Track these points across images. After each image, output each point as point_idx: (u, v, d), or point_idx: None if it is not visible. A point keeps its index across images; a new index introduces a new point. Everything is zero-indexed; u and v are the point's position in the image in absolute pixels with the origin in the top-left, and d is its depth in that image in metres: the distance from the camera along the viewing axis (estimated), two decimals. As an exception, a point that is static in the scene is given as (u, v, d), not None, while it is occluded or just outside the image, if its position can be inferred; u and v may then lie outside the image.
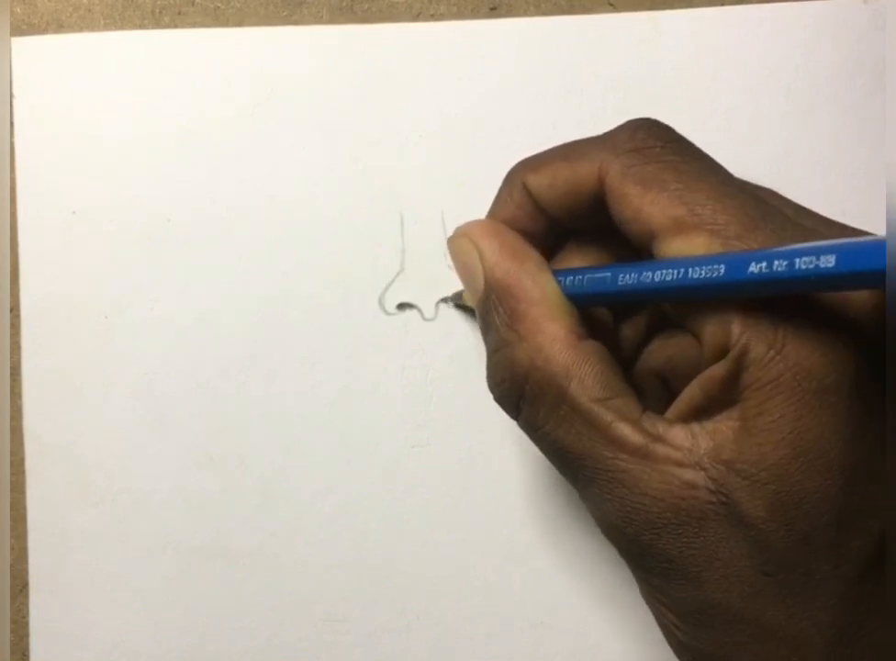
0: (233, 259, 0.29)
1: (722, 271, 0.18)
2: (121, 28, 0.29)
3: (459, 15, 0.29)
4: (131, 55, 0.29)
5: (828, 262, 0.16)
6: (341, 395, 0.29)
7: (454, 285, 0.28)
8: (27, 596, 0.29)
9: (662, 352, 0.24)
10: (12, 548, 0.29)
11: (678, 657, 0.21)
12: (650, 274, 0.19)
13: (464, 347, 0.29)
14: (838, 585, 0.18)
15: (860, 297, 0.18)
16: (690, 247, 0.19)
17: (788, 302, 0.18)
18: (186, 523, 0.29)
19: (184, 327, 0.29)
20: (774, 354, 0.18)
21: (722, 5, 0.29)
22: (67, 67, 0.29)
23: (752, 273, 0.17)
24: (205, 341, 0.29)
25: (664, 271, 0.19)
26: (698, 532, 0.19)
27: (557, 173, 0.22)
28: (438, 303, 0.29)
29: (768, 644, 0.19)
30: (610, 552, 0.29)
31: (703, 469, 0.18)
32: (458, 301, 0.29)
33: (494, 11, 0.29)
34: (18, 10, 0.29)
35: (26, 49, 0.29)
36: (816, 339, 0.18)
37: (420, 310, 0.29)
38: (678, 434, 0.19)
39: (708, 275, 0.18)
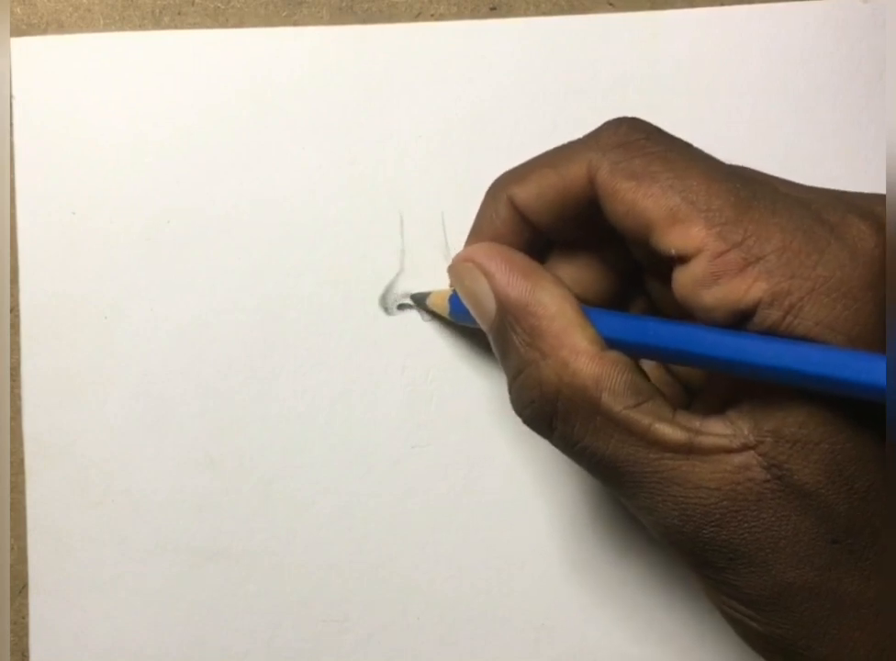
0: (233, 260, 0.29)
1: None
2: (121, 28, 0.29)
3: (459, 15, 0.29)
4: (131, 55, 0.29)
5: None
6: (341, 395, 0.29)
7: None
8: (26, 596, 0.29)
9: None
10: (12, 548, 0.29)
11: (757, 650, 0.21)
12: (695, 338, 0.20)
13: (464, 347, 0.29)
14: None
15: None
16: (687, 238, 0.19)
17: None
18: (186, 524, 0.29)
19: (183, 327, 0.29)
20: (792, 319, 0.18)
21: (722, 5, 0.29)
22: (67, 67, 0.29)
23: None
24: (204, 341, 0.29)
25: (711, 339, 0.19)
26: (758, 514, 0.19)
27: (544, 181, 0.22)
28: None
29: (850, 613, 0.19)
30: (611, 552, 0.29)
31: (751, 448, 0.18)
32: (421, 305, 0.28)
33: (494, 11, 0.29)
34: (18, 10, 0.29)
35: (26, 49, 0.29)
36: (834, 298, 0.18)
37: (420, 311, 0.29)
38: (717, 424, 0.19)
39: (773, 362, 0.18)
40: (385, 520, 0.29)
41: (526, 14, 0.29)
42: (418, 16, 0.29)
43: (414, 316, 0.29)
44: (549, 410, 0.21)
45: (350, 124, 0.29)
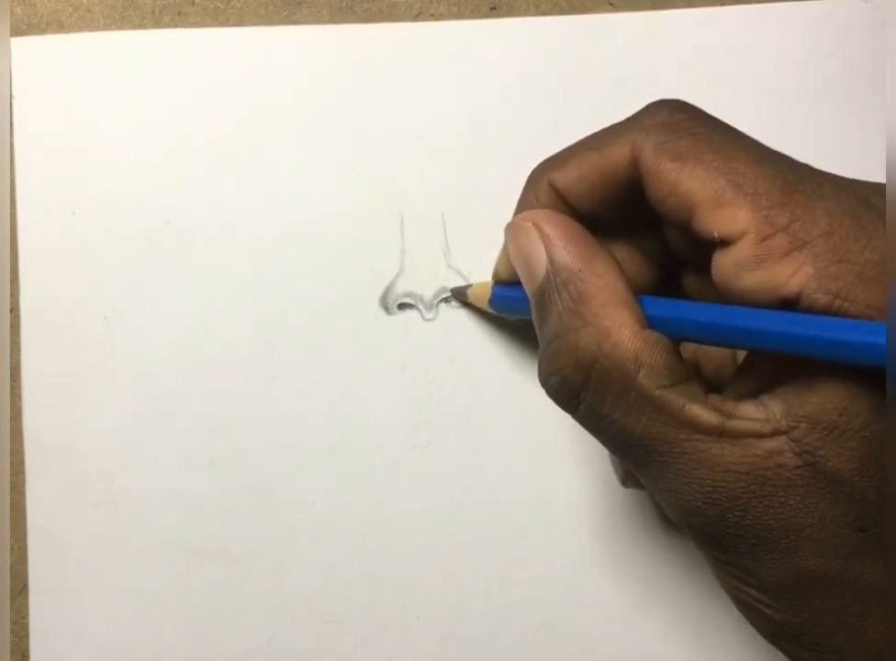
0: (233, 260, 0.29)
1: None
2: (121, 27, 0.29)
3: (459, 15, 0.29)
4: (131, 55, 0.29)
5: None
6: (341, 395, 0.29)
7: (454, 285, 0.28)
8: (26, 597, 0.29)
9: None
10: (12, 549, 0.29)
11: (769, 639, 0.21)
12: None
13: (464, 347, 0.29)
14: None
15: None
16: (732, 221, 0.19)
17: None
18: (186, 524, 0.29)
19: (183, 328, 0.29)
20: (841, 303, 0.18)
21: (723, 5, 0.29)
22: (67, 67, 0.29)
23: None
24: (205, 341, 0.29)
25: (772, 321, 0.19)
26: (785, 500, 0.18)
27: (586, 164, 0.22)
28: (439, 301, 0.29)
29: (870, 604, 0.18)
30: (611, 552, 0.29)
31: (784, 433, 0.18)
32: (462, 298, 0.28)
33: (494, 11, 0.29)
34: (18, 10, 0.29)
35: (26, 49, 0.29)
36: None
37: (420, 311, 0.29)
38: (749, 408, 0.19)
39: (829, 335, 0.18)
40: (385, 520, 0.29)
41: (526, 14, 0.29)
42: (418, 16, 0.29)
43: (414, 316, 0.29)
44: (580, 380, 0.20)
45: (350, 124, 0.29)
